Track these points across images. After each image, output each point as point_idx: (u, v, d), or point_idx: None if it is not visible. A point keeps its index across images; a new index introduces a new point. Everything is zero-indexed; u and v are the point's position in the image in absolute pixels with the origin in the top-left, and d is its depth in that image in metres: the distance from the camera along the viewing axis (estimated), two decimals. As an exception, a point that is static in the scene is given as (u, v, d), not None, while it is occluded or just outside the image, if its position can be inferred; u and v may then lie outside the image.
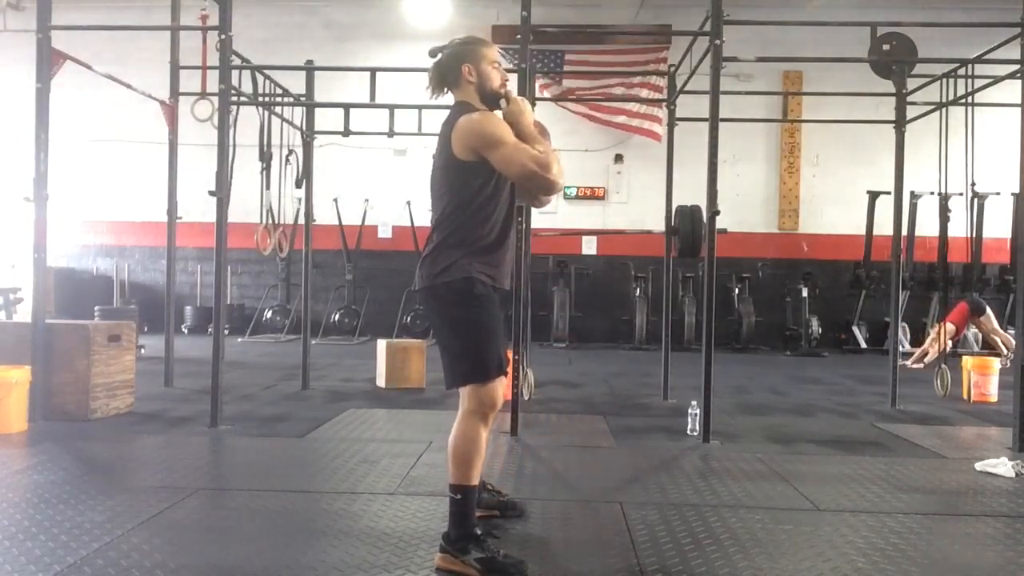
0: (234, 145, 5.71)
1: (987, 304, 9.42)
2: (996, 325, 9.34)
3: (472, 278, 2.68)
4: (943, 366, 6.83)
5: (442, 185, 2.74)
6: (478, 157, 2.63)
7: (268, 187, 6.76)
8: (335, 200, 11.62)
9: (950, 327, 8.54)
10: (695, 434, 4.86)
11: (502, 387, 2.73)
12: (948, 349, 7.48)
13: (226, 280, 5.61)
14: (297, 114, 6.89)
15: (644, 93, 11.66)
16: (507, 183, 2.75)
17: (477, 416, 2.65)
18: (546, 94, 11.61)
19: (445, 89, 2.85)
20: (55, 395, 4.99)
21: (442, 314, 2.75)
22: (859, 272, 11.52)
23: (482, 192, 2.70)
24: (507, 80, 2.88)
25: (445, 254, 2.70)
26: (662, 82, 10.29)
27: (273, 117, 6.76)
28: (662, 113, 11.09)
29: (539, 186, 2.63)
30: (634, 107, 11.81)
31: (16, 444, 4.33)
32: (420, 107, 6.13)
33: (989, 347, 9.51)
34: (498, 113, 2.77)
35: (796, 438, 4.98)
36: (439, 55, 2.84)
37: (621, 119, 11.93)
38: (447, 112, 2.82)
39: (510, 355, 4.53)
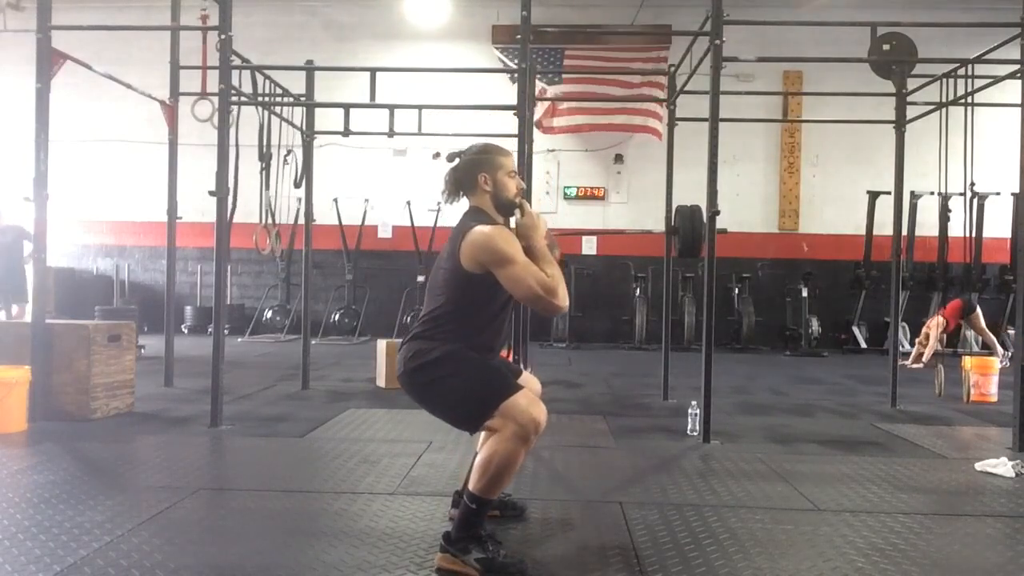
0: (237, 145, 5.71)
1: (977, 305, 9.56)
2: (983, 324, 9.42)
3: (449, 349, 2.66)
4: (942, 366, 6.83)
5: (443, 287, 2.73)
6: (485, 270, 2.62)
7: (268, 187, 6.75)
8: (335, 200, 11.63)
9: (941, 320, 8.72)
10: (695, 434, 4.86)
11: (537, 405, 2.59)
12: (941, 342, 7.57)
13: (226, 280, 5.60)
14: (297, 114, 6.89)
15: (644, 90, 11.62)
16: (506, 293, 2.71)
17: (520, 439, 2.53)
18: (548, 93, 11.59)
19: (461, 193, 2.86)
20: (55, 395, 4.99)
21: (426, 385, 2.70)
22: (859, 272, 11.54)
23: (480, 300, 2.70)
24: (523, 188, 2.88)
25: (424, 343, 2.69)
26: (662, 79, 10.29)
27: (273, 117, 6.76)
28: (662, 111, 11.07)
29: (543, 308, 2.62)
30: (634, 105, 11.72)
31: (16, 444, 4.33)
32: (420, 107, 6.13)
33: (986, 346, 9.58)
34: (512, 220, 2.77)
35: (796, 438, 4.98)
36: (456, 160, 2.86)
37: (621, 119, 11.83)
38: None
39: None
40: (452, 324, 2.69)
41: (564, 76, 11.92)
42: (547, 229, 2.78)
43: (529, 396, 2.62)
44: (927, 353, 8.96)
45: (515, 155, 2.97)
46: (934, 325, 8.95)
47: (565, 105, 11.82)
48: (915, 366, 8.93)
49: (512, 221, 2.80)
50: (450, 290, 2.71)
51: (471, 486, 2.61)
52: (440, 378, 2.66)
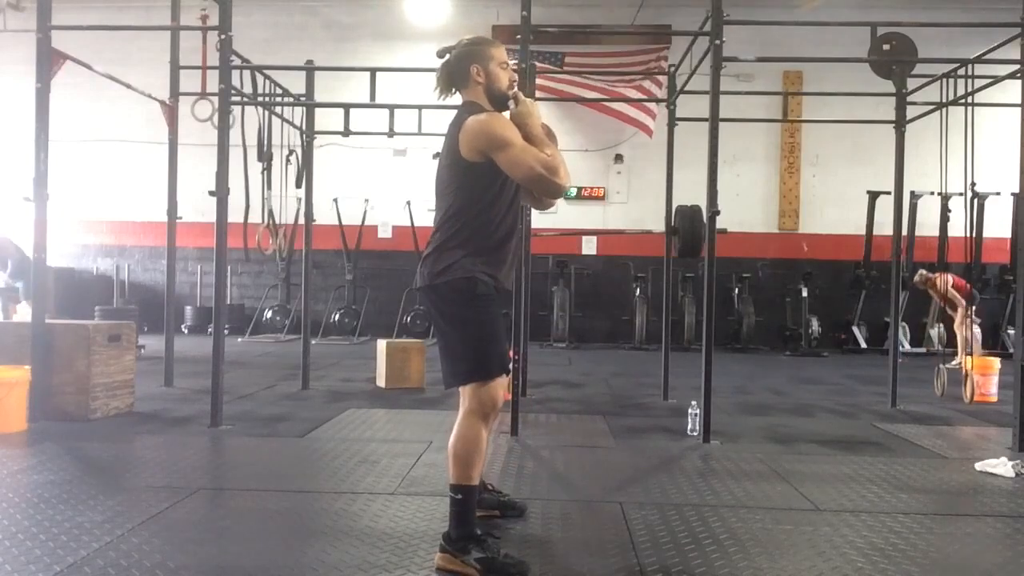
0: (244, 145, 5.72)
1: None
2: (972, 321, 9.06)
3: (474, 278, 2.66)
4: (940, 366, 6.83)
5: (448, 184, 2.73)
6: (485, 158, 2.62)
7: (269, 187, 6.76)
8: (335, 200, 11.63)
9: (955, 293, 8.08)
10: (695, 434, 4.86)
11: (503, 387, 2.72)
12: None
13: (226, 280, 5.60)
14: (297, 114, 6.89)
15: (644, 85, 11.56)
16: (513, 184, 2.73)
17: (478, 416, 2.65)
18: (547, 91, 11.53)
19: (453, 89, 2.84)
20: (55, 395, 4.99)
21: (443, 312, 2.73)
22: (859, 272, 11.53)
23: (487, 192, 2.69)
24: (515, 80, 2.87)
25: (448, 254, 2.69)
26: (662, 76, 10.22)
27: (273, 117, 6.76)
28: (657, 108, 11.04)
29: (545, 189, 2.64)
30: (632, 94, 11.57)
31: (16, 444, 4.33)
32: (420, 107, 6.14)
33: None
34: (506, 114, 2.76)
35: (796, 438, 4.98)
36: (447, 55, 2.84)
37: (616, 105, 11.60)
38: (450, 112, 2.81)
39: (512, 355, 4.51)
40: (465, 223, 2.68)
41: (563, 76, 11.87)
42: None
43: (504, 381, 2.72)
44: (960, 345, 8.18)
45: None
46: (970, 317, 7.94)
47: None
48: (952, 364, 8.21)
49: (507, 112, 2.77)
50: (454, 184, 2.71)
51: (450, 480, 2.67)
52: (452, 315, 2.69)
